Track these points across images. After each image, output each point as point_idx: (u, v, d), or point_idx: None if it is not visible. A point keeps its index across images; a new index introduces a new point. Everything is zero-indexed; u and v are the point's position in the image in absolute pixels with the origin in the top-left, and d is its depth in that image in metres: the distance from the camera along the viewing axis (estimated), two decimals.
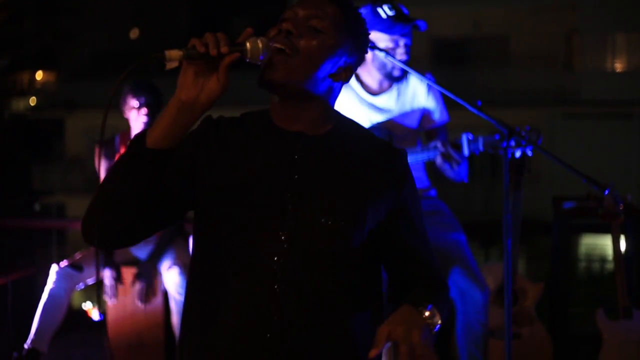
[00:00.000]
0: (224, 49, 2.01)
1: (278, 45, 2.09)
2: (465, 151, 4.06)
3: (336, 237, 2.13)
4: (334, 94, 2.25)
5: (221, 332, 2.14)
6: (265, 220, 2.12)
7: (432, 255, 2.37)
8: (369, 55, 4.27)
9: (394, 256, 2.31)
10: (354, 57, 2.25)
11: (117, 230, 2.08)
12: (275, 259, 2.10)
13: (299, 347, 2.11)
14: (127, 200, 2.04)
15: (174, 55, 2.02)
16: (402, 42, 4.19)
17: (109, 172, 2.08)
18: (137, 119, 4.95)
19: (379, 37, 4.17)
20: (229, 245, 2.13)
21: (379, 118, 4.33)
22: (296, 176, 2.15)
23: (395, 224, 2.26)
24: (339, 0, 2.21)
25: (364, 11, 4.24)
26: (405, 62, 4.14)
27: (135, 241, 2.16)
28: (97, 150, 5.19)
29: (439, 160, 4.10)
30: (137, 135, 2.06)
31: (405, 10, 4.25)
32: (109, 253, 5.00)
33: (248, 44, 2.06)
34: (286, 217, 2.12)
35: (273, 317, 2.09)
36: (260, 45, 2.06)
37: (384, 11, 4.20)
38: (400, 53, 4.18)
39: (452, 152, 4.05)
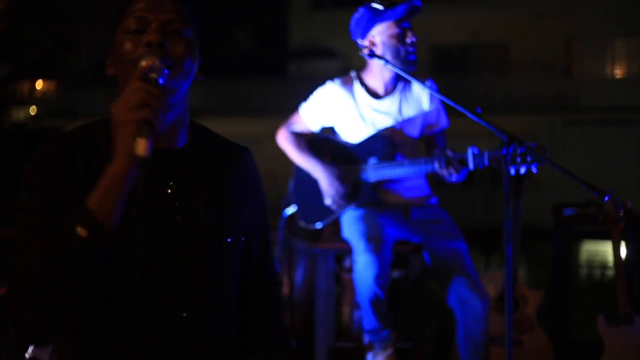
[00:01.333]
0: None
1: (159, 63, 1.95)
2: (471, 165, 4.07)
3: (224, 249, 2.15)
4: (188, 94, 2.19)
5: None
6: (157, 239, 2.06)
7: (272, 254, 2.40)
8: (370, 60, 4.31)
9: (245, 261, 2.30)
10: (199, 47, 2.18)
11: (60, 321, 1.94)
12: (170, 280, 2.07)
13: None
14: (77, 288, 1.88)
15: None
16: (408, 36, 4.26)
17: (58, 264, 1.85)
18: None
19: (384, 28, 4.25)
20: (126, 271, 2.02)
21: (382, 121, 4.35)
22: (173, 194, 2.10)
23: (252, 228, 2.29)
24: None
25: (358, 14, 4.28)
26: (413, 45, 4.22)
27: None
28: None
29: (437, 165, 4.10)
30: (84, 223, 1.84)
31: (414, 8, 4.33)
32: None
33: (150, 69, 1.92)
34: (176, 238, 2.08)
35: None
36: (155, 65, 1.93)
37: (379, 3, 4.25)
38: (410, 35, 4.25)
39: (453, 163, 4.07)
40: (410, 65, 4.29)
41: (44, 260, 1.85)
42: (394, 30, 4.26)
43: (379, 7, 4.25)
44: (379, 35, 4.29)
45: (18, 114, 36.33)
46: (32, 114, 33.71)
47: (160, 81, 1.89)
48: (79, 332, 2.04)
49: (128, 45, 2.03)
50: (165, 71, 1.93)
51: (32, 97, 35.79)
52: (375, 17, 4.27)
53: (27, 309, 1.87)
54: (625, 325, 3.92)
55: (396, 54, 4.27)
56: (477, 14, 23.84)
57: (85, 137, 2.10)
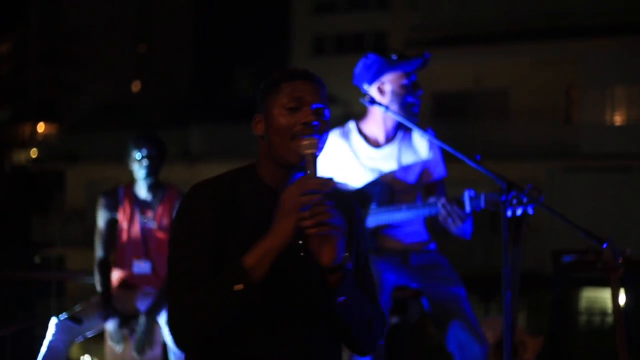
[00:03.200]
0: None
1: (316, 141, 2.47)
2: (467, 208, 4.08)
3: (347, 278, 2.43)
4: None
5: None
6: (286, 277, 2.49)
7: (375, 290, 2.73)
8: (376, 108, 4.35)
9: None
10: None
11: (207, 340, 2.43)
12: (296, 315, 2.50)
13: None
14: (224, 322, 2.39)
15: None
16: (416, 88, 4.33)
17: (218, 306, 2.36)
18: (138, 170, 5.02)
19: (395, 77, 4.31)
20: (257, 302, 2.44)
21: (379, 170, 4.36)
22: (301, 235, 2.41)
23: (358, 265, 2.66)
24: (322, 82, 2.62)
25: (370, 60, 4.33)
26: (419, 98, 4.28)
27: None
28: (100, 201, 5.19)
29: (441, 216, 4.12)
30: (240, 279, 2.34)
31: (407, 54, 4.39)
32: (111, 302, 5.00)
33: (309, 151, 2.45)
34: (301, 271, 2.51)
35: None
36: (312, 150, 2.45)
37: (392, 54, 4.32)
38: (416, 86, 4.31)
39: (455, 209, 4.08)
40: (413, 116, 4.34)
41: (202, 308, 2.36)
42: (404, 80, 4.34)
43: (393, 56, 4.31)
44: (390, 84, 4.35)
45: (19, 157, 36.41)
46: (33, 156, 33.79)
47: (317, 154, 2.43)
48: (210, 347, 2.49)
49: (284, 120, 2.51)
50: (320, 145, 2.48)
51: (33, 140, 35.89)
52: (387, 66, 4.32)
53: (185, 340, 2.41)
54: None
55: (403, 104, 4.33)
56: (478, 60, 23.97)
57: (232, 183, 2.56)
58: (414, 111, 4.37)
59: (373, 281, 2.72)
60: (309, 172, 2.40)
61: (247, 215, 2.51)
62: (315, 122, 2.49)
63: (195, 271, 2.43)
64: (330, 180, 2.35)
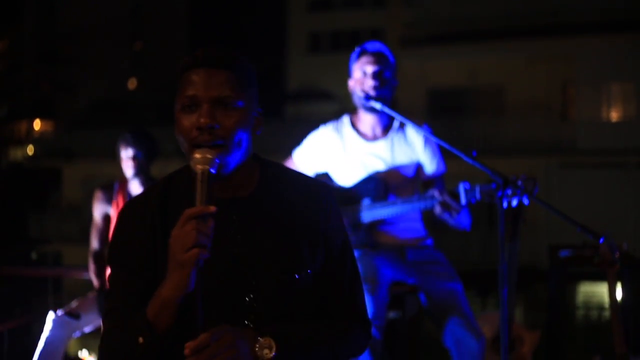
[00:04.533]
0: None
1: (211, 155, 2.18)
2: (463, 200, 4.09)
3: (293, 286, 2.30)
4: (251, 145, 2.35)
5: None
6: (230, 289, 2.26)
7: (354, 287, 2.46)
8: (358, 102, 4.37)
9: (320, 287, 2.39)
10: (257, 100, 2.35)
11: None
12: (246, 322, 2.25)
13: None
14: None
15: None
16: (368, 69, 4.30)
17: (124, 348, 2.19)
18: (126, 169, 5.04)
19: (354, 73, 4.30)
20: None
21: (374, 165, 4.37)
22: (238, 245, 2.28)
23: (326, 258, 2.39)
24: (228, 63, 2.26)
25: (352, 60, 4.41)
26: (381, 89, 4.26)
27: None
28: (96, 194, 5.20)
29: (438, 209, 4.13)
30: (144, 333, 2.15)
31: (374, 45, 4.37)
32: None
33: (201, 166, 2.16)
34: (247, 282, 2.27)
35: None
36: (204, 165, 2.16)
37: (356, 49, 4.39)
38: (369, 78, 4.28)
39: (449, 201, 4.08)
40: (367, 109, 4.35)
41: (116, 356, 2.22)
42: (358, 75, 4.36)
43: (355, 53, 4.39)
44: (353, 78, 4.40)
45: (15, 154, 36.36)
46: (30, 154, 33.75)
47: (212, 171, 2.14)
48: None
49: (184, 123, 2.23)
50: (217, 161, 2.16)
51: (29, 137, 35.85)
52: (354, 59, 4.40)
53: None
54: None
55: (356, 97, 4.36)
56: (473, 57, 23.98)
57: (163, 194, 2.36)
58: (365, 104, 4.35)
59: (352, 276, 2.47)
60: (196, 196, 2.12)
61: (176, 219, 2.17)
62: (209, 125, 2.20)
63: (123, 302, 2.26)
64: (209, 208, 2.08)
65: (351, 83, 4.40)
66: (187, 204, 2.13)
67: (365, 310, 2.51)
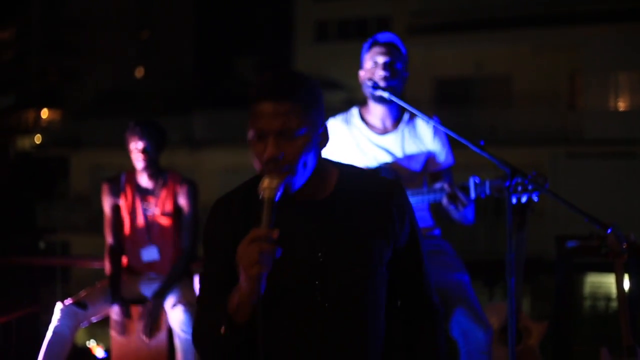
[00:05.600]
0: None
1: (276, 184, 2.38)
2: (472, 194, 4.08)
3: (365, 281, 2.51)
4: (320, 156, 2.57)
5: None
6: (302, 282, 2.50)
7: (427, 281, 2.73)
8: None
9: (396, 281, 2.66)
10: (323, 118, 2.54)
11: None
12: (312, 314, 2.49)
13: None
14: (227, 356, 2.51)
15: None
16: (379, 60, 4.28)
17: (211, 339, 2.51)
18: (136, 161, 5.04)
19: (365, 63, 4.30)
20: (276, 309, 2.51)
21: (384, 158, 4.35)
22: (317, 245, 2.50)
23: (400, 253, 2.63)
24: (292, 92, 2.42)
25: (362, 52, 4.38)
26: (392, 80, 4.24)
27: None
28: (103, 187, 5.21)
29: (445, 201, 4.12)
30: (226, 326, 2.42)
31: (385, 36, 4.35)
32: (117, 289, 5.02)
33: (267, 194, 2.36)
34: (319, 275, 2.50)
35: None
36: (270, 194, 2.36)
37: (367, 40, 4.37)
38: (379, 69, 4.27)
39: (458, 194, 4.07)
40: (377, 100, 4.35)
41: (205, 340, 2.54)
42: (369, 65, 4.34)
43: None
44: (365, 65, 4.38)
45: (23, 143, 36.44)
46: (37, 143, 33.82)
47: (276, 199, 2.34)
48: None
49: (256, 150, 2.44)
50: (282, 187, 2.37)
51: (37, 126, 35.91)
52: (365, 50, 4.38)
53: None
54: (628, 357, 3.93)
55: (366, 88, 4.35)
56: (481, 46, 23.93)
57: (246, 197, 2.57)
58: (372, 92, 4.35)
59: (421, 267, 2.72)
60: (262, 218, 2.33)
61: (252, 223, 2.43)
62: (274, 157, 2.40)
63: (212, 291, 2.57)
64: (273, 231, 2.29)
65: (362, 74, 4.38)
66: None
67: (434, 300, 2.76)
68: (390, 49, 4.33)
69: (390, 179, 2.68)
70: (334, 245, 2.49)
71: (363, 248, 2.51)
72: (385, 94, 4.17)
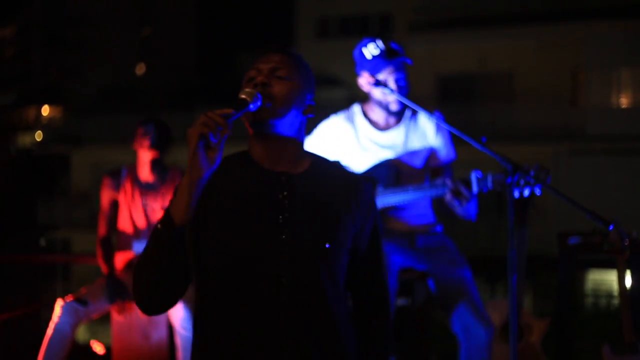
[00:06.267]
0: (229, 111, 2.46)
1: (249, 99, 2.49)
2: (474, 188, 4.07)
3: (327, 257, 2.55)
4: (303, 130, 2.69)
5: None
6: (266, 251, 2.51)
7: (383, 279, 2.78)
8: (372, 93, 4.33)
9: (354, 272, 2.69)
10: (312, 94, 2.70)
11: (163, 300, 2.49)
12: (275, 283, 2.49)
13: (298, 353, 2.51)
14: (171, 274, 2.43)
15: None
16: (390, 78, 4.24)
17: (148, 253, 2.43)
18: (143, 155, 5.02)
19: (367, 77, 4.27)
20: (233, 277, 2.51)
21: (386, 154, 4.34)
22: (286, 212, 2.55)
23: (360, 245, 2.68)
24: (289, 53, 2.66)
25: (355, 52, 4.33)
26: (404, 97, 4.20)
27: (175, 303, 2.52)
28: (104, 180, 5.20)
29: (448, 196, 4.11)
30: (161, 220, 2.39)
31: (394, 46, 4.31)
32: (116, 285, 5.01)
33: (244, 95, 2.50)
34: (284, 246, 2.51)
35: (277, 327, 2.49)
36: (251, 92, 2.50)
37: (369, 51, 4.31)
38: (390, 85, 4.25)
39: (461, 189, 4.06)
40: (393, 114, 4.35)
41: (143, 254, 2.44)
42: (395, 75, 4.32)
43: (368, 55, 4.31)
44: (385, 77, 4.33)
45: (24, 140, 36.46)
46: (38, 139, 33.83)
47: (251, 107, 2.49)
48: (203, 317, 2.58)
49: (246, 89, 2.54)
50: (259, 99, 2.50)
51: (38, 123, 35.93)
52: (362, 64, 4.34)
53: (136, 289, 2.47)
54: (630, 354, 3.92)
55: (378, 102, 4.33)
56: (483, 43, 23.90)
57: (225, 162, 2.61)
58: (390, 109, 4.36)
59: (378, 260, 2.74)
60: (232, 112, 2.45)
61: (230, 187, 2.58)
62: (264, 82, 2.56)
63: None
64: (226, 115, 2.41)
65: (365, 80, 4.36)
66: (239, 175, 2.58)
67: (387, 291, 2.78)
68: (404, 65, 4.34)
69: (361, 174, 2.83)
70: (300, 217, 2.56)
71: (329, 226, 2.58)
72: (387, 91, 4.16)
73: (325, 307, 2.55)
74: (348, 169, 2.76)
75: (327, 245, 2.54)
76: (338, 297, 2.60)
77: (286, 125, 2.59)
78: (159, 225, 2.39)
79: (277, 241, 2.51)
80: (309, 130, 4.62)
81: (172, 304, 2.50)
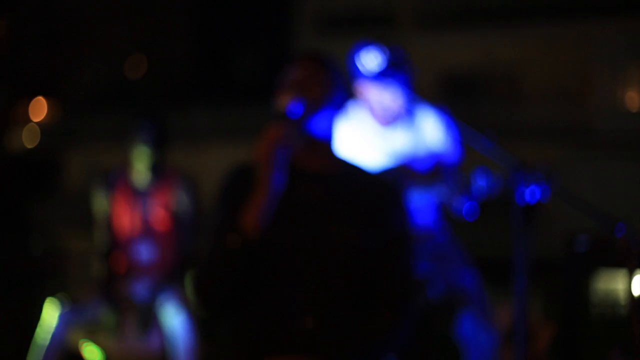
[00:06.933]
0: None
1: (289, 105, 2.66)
2: (479, 191, 4.01)
3: (355, 253, 2.69)
4: (335, 133, 2.83)
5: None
6: (299, 250, 2.67)
7: (405, 277, 2.81)
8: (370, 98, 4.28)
9: (371, 269, 2.76)
10: (344, 96, 2.85)
11: (231, 305, 2.68)
12: (306, 279, 2.66)
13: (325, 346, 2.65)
14: (240, 284, 2.62)
15: None
16: (389, 90, 4.17)
17: (219, 265, 2.62)
18: (138, 155, 4.99)
19: (365, 86, 4.20)
20: (270, 271, 2.66)
21: (390, 152, 4.30)
22: (316, 213, 2.70)
23: (379, 243, 2.76)
24: (319, 58, 2.83)
25: (353, 59, 4.24)
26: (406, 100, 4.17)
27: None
28: (96, 183, 5.15)
29: (452, 195, 4.05)
30: (233, 237, 2.59)
31: (395, 57, 4.21)
32: (111, 289, 4.97)
33: (285, 105, 2.67)
34: (316, 244, 2.67)
35: (304, 324, 2.65)
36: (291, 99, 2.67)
37: (368, 60, 4.22)
38: (387, 100, 4.18)
39: (464, 189, 4.01)
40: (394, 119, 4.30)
41: (210, 262, 2.65)
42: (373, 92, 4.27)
43: (365, 67, 4.22)
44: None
45: (17, 138, 36.55)
46: (32, 138, 33.89)
47: (292, 108, 2.65)
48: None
49: (280, 99, 2.73)
50: (299, 103, 2.66)
51: (31, 121, 36.02)
52: (359, 73, 4.26)
53: (199, 293, 2.65)
54: None
55: (380, 106, 4.28)
56: (489, 40, 23.91)
57: (248, 168, 2.75)
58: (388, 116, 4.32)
59: (406, 269, 2.81)
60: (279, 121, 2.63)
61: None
62: (301, 83, 2.73)
63: (212, 235, 2.73)
64: (292, 117, 2.61)
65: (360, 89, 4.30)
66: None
67: (411, 305, 2.82)
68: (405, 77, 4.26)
69: (389, 181, 2.90)
70: (329, 218, 2.71)
71: (354, 229, 2.70)
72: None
73: (342, 310, 2.68)
74: (373, 172, 2.89)
75: (352, 246, 2.68)
76: (357, 300, 2.72)
77: (319, 128, 2.75)
78: (232, 243, 2.59)
79: (304, 240, 2.67)
80: None
81: (231, 310, 2.70)
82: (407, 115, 4.36)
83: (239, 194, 2.72)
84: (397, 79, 4.19)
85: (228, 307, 2.69)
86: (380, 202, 2.79)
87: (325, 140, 2.80)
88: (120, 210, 5.08)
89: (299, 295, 2.67)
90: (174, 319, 4.85)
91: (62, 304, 4.86)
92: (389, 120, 4.33)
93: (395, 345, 2.77)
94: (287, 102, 2.67)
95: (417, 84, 4.31)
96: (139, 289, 5.07)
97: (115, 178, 5.10)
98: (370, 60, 4.19)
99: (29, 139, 33.33)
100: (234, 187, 2.79)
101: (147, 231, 5.06)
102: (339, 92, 2.83)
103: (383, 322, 2.76)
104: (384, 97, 4.19)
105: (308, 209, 2.72)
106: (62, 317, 4.80)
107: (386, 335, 2.75)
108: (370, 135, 4.34)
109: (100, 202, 5.11)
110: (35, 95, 35.03)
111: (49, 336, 4.78)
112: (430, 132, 4.38)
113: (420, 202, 4.24)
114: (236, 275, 2.61)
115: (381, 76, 4.17)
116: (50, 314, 4.80)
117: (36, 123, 33.92)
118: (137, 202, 5.06)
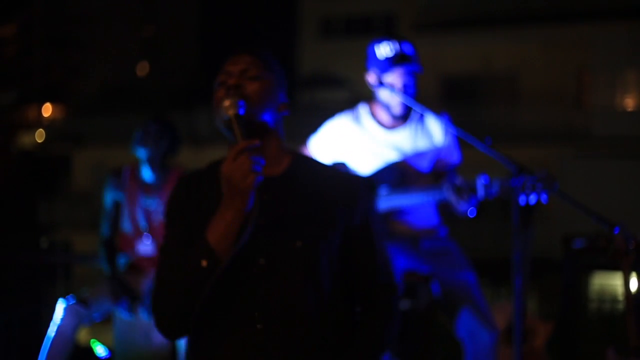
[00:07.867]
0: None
1: (236, 99, 2.52)
2: (480, 192, 4.04)
3: (308, 255, 2.54)
4: (281, 128, 2.69)
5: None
6: (246, 253, 2.49)
7: (380, 269, 2.70)
8: (378, 92, 4.31)
9: (347, 267, 2.66)
10: (284, 92, 2.72)
11: (189, 327, 2.54)
12: (255, 287, 2.51)
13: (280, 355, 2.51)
14: (200, 304, 2.46)
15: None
16: (398, 82, 4.21)
17: (181, 284, 2.46)
18: (145, 153, 5.02)
19: (374, 76, 4.24)
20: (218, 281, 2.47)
21: (393, 155, 4.32)
22: (262, 215, 2.48)
23: (350, 240, 2.64)
24: (258, 53, 2.66)
25: (369, 48, 4.29)
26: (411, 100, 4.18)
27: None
28: (107, 179, 5.19)
29: (452, 197, 4.08)
30: (205, 255, 2.43)
31: (407, 49, 4.27)
32: (119, 286, 4.99)
33: (231, 110, 2.50)
34: (262, 247, 2.52)
35: (257, 325, 2.51)
36: (233, 110, 2.50)
37: (382, 51, 4.27)
38: (400, 89, 4.22)
39: (465, 191, 4.04)
40: (397, 119, 4.32)
41: (173, 282, 2.49)
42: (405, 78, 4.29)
43: (380, 55, 4.26)
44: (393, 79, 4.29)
45: (25, 140, 36.46)
46: (39, 139, 33.83)
47: (240, 112, 2.49)
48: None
49: (218, 93, 2.59)
50: (241, 103, 2.51)
51: (39, 123, 35.94)
52: (373, 61, 4.29)
53: (160, 315, 2.52)
54: (635, 358, 3.90)
55: (385, 104, 4.30)
56: (488, 43, 23.88)
57: (210, 170, 2.69)
58: (393, 114, 4.34)
59: (373, 264, 2.69)
60: (236, 134, 2.45)
61: (214, 194, 2.53)
62: (237, 85, 2.57)
63: (176, 243, 2.59)
64: (253, 141, 2.40)
65: (373, 78, 4.33)
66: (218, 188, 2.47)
67: (392, 277, 2.73)
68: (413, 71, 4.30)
69: (350, 171, 2.89)
70: (275, 218, 2.56)
71: (302, 224, 2.57)
72: (392, 91, 4.15)
73: (304, 310, 2.54)
74: (329, 165, 2.78)
75: (299, 244, 2.53)
76: (320, 299, 2.57)
77: (263, 116, 2.60)
78: (203, 262, 2.42)
79: (253, 246, 2.50)
80: (313, 130, 4.60)
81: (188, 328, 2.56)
82: (411, 115, 4.41)
83: (192, 205, 2.62)
84: (411, 67, 4.25)
85: (189, 326, 2.53)
86: (336, 194, 2.63)
87: (271, 137, 2.64)
88: (128, 208, 5.12)
89: (257, 309, 2.51)
90: None
91: (72, 300, 4.88)
92: (397, 119, 4.37)
93: (391, 342, 2.68)
94: (229, 106, 2.50)
95: (417, 89, 4.35)
96: (146, 283, 5.11)
97: (125, 176, 5.14)
98: (385, 49, 4.25)
99: (36, 140, 33.29)
100: (186, 197, 2.66)
101: (152, 227, 5.10)
102: (280, 86, 2.69)
103: (374, 326, 2.66)
104: (397, 83, 4.22)
105: (260, 215, 2.47)
106: (67, 312, 4.81)
107: (381, 337, 2.65)
108: (373, 141, 4.38)
109: (109, 197, 5.15)
110: (43, 97, 35.00)
111: (59, 333, 4.79)
112: (433, 136, 4.42)
113: (420, 200, 4.27)
114: (202, 295, 2.44)
115: (396, 63, 4.22)
116: (60, 311, 4.82)
117: (43, 124, 33.89)
118: (144, 201, 5.10)
